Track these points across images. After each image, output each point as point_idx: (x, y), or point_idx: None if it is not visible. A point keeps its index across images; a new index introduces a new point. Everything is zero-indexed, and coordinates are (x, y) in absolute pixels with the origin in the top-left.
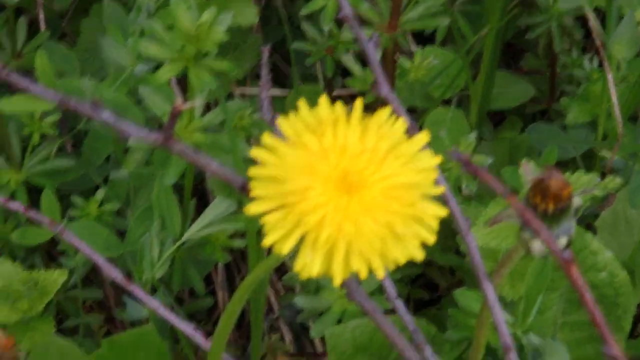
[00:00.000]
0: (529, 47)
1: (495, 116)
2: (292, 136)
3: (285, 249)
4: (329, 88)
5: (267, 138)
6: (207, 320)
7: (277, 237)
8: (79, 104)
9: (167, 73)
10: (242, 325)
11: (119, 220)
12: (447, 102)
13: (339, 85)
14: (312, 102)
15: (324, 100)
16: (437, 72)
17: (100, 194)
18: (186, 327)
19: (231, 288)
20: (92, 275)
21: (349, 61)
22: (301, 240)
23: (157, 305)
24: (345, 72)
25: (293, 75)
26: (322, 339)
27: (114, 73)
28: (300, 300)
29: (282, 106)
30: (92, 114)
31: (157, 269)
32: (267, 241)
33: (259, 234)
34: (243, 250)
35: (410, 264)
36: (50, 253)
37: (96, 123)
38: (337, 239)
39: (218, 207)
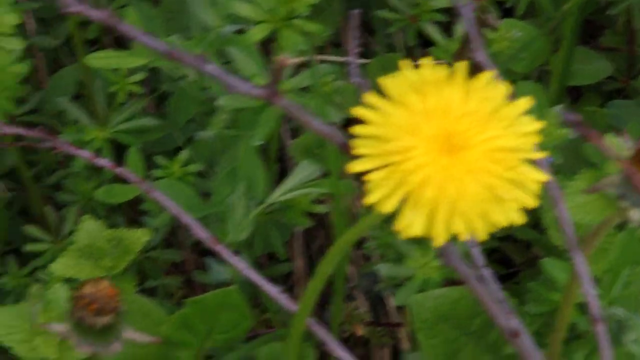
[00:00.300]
0: (608, 24)
1: (572, 92)
2: (395, 96)
3: (387, 207)
4: (409, 58)
5: (371, 97)
6: (283, 286)
7: (380, 195)
8: (185, 56)
9: (258, 34)
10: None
11: (200, 182)
12: (524, 78)
13: (418, 56)
14: (393, 72)
15: (426, 61)
16: (520, 45)
17: (184, 154)
18: (272, 289)
19: (307, 255)
20: (171, 238)
21: (433, 30)
22: (403, 200)
23: (243, 266)
24: (425, 43)
25: (379, 42)
26: (398, 310)
27: (200, 33)
28: (382, 268)
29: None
30: (197, 66)
31: (241, 232)
32: (369, 199)
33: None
34: (319, 216)
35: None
36: (130, 213)
37: (179, 84)
38: (439, 200)
39: (303, 171)
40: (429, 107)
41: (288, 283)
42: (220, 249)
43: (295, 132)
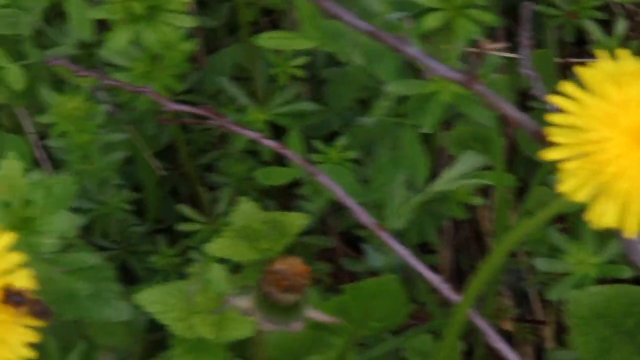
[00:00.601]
0: None
1: None
2: (592, 86)
3: (579, 197)
4: (562, 54)
5: (568, 87)
6: None
7: (573, 184)
8: (387, 36)
9: (433, 21)
10: (462, 281)
11: (355, 168)
12: None
13: (571, 53)
14: (544, 68)
15: (625, 52)
16: None
17: (342, 140)
18: (434, 279)
19: (454, 247)
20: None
21: (593, 27)
22: (596, 190)
23: (405, 253)
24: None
25: (531, 37)
26: (543, 307)
27: (366, 18)
28: (539, 264)
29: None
30: (398, 47)
31: (398, 219)
32: (562, 188)
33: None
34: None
35: None
36: (281, 197)
37: (338, 70)
38: (633, 192)
39: (466, 161)
40: (626, 98)
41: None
42: (383, 235)
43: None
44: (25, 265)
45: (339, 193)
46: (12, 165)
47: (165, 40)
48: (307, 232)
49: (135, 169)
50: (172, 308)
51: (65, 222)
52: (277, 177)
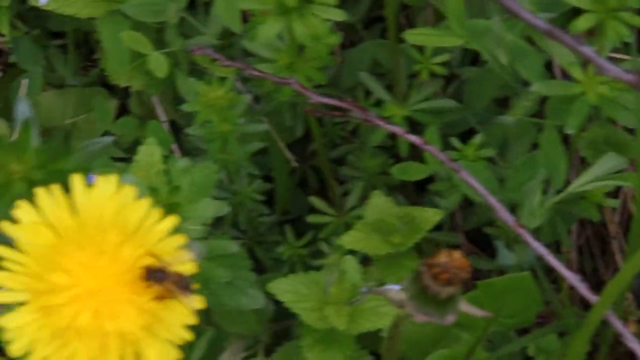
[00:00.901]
0: None
1: None
2: None
3: None
4: None
5: None
6: None
7: None
8: (563, 35)
9: (584, 23)
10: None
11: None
12: None
13: None
14: None
15: None
16: None
17: (479, 138)
18: (572, 278)
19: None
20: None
21: None
22: None
23: (544, 251)
24: None
25: None
26: None
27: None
28: None
29: None
30: (573, 46)
31: (535, 219)
32: None
33: None
34: None
35: None
36: (410, 193)
37: (478, 69)
38: None
39: (607, 162)
40: None
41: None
42: (523, 232)
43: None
44: (185, 248)
45: (480, 190)
46: (151, 151)
47: (314, 33)
48: (435, 228)
49: (270, 160)
50: (304, 298)
51: (209, 210)
52: (413, 172)
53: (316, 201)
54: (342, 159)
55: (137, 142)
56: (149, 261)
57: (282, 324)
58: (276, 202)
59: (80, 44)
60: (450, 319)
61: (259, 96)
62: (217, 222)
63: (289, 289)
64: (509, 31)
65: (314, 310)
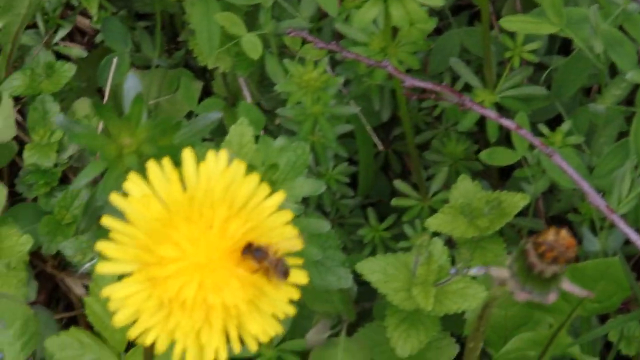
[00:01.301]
0: None
1: None
2: None
3: None
4: None
5: None
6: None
7: None
8: None
9: None
10: None
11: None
12: None
13: None
14: None
15: None
16: None
17: (566, 125)
18: None
19: None
20: None
21: None
22: None
23: (636, 237)
24: None
25: None
26: None
27: (607, 7)
28: None
29: None
30: None
31: (624, 205)
32: None
33: None
34: None
35: None
36: (491, 179)
37: (565, 58)
38: None
39: None
40: None
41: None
42: (615, 218)
43: None
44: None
45: (573, 174)
46: (242, 131)
47: (412, 18)
48: (517, 215)
49: (358, 143)
50: (392, 278)
51: (305, 188)
52: (502, 157)
53: (400, 184)
54: (427, 144)
55: (220, 125)
56: (255, 236)
57: (363, 305)
58: (359, 185)
59: (165, 26)
60: (552, 297)
61: (349, 80)
62: (302, 203)
63: (377, 269)
64: (604, 20)
65: (401, 291)
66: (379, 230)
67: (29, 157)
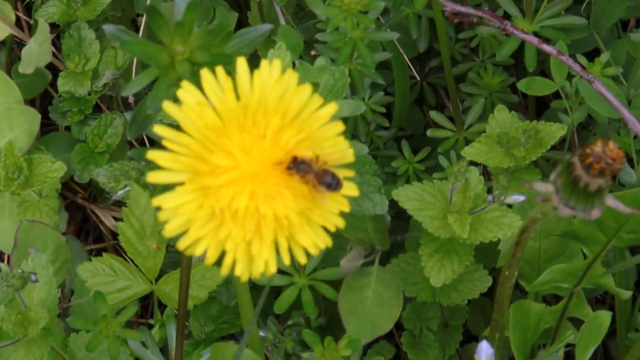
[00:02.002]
0: None
1: None
2: None
3: None
4: None
5: None
6: None
7: None
8: None
9: None
10: None
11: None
12: None
13: None
14: None
15: None
16: None
17: (605, 56)
18: None
19: None
20: None
21: None
22: None
23: None
24: None
25: None
26: None
27: None
28: None
29: None
30: None
31: None
32: None
33: None
34: None
35: None
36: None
37: None
38: None
39: None
40: None
41: None
42: None
43: None
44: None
45: (614, 102)
46: (281, 55)
47: None
48: (552, 148)
49: (394, 72)
50: (428, 206)
51: (346, 108)
52: (540, 87)
53: (436, 115)
54: (462, 76)
55: (253, 56)
56: (308, 146)
57: (395, 237)
58: (394, 116)
59: None
60: (595, 213)
61: (387, 9)
62: None
63: (413, 197)
64: None
65: (436, 219)
66: (412, 162)
67: (63, 84)
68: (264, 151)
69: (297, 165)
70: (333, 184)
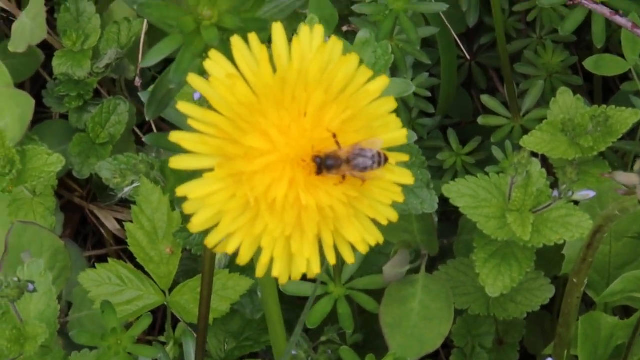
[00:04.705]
0: None
1: None
2: None
3: None
4: None
5: None
6: None
7: None
8: None
9: None
10: None
11: None
12: None
13: None
14: None
15: None
16: None
17: None
18: None
19: None
20: None
21: None
22: None
23: None
24: None
25: None
26: None
27: None
28: None
29: None
30: None
31: None
32: None
33: None
34: None
35: None
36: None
37: None
38: None
39: None
40: None
41: None
42: None
43: None
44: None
45: None
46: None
47: None
48: (622, 137)
49: (441, 51)
50: (484, 203)
51: (392, 89)
52: (610, 66)
53: (488, 100)
54: (517, 55)
55: None
56: (356, 127)
57: (442, 241)
58: (440, 101)
59: None
60: None
61: None
62: None
63: (467, 193)
64: None
65: (493, 218)
66: (461, 154)
67: (59, 65)
68: (304, 131)
69: (325, 164)
70: (371, 162)
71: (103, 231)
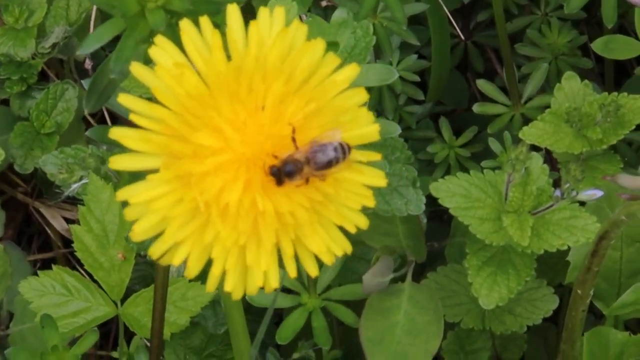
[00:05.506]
0: None
1: None
2: None
3: None
4: None
5: None
6: None
7: None
8: None
9: None
10: None
11: None
12: None
13: None
14: None
15: None
16: None
17: None
18: None
19: None
20: None
21: None
22: None
23: None
24: None
25: None
26: None
27: None
28: None
29: None
30: None
31: None
32: None
33: None
34: None
35: None
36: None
37: None
38: None
39: None
40: None
41: None
42: None
43: None
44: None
45: None
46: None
47: None
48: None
49: (431, 29)
50: (477, 204)
51: (371, 75)
52: (621, 49)
53: (485, 85)
54: (519, 34)
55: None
56: (320, 121)
57: (432, 245)
58: (430, 86)
59: None
60: None
61: None
62: None
63: (458, 192)
64: None
65: (488, 220)
66: (454, 146)
67: (0, 44)
68: (262, 127)
69: (285, 171)
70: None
71: (50, 232)
